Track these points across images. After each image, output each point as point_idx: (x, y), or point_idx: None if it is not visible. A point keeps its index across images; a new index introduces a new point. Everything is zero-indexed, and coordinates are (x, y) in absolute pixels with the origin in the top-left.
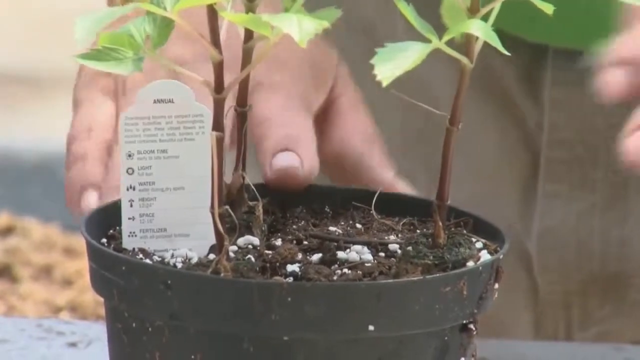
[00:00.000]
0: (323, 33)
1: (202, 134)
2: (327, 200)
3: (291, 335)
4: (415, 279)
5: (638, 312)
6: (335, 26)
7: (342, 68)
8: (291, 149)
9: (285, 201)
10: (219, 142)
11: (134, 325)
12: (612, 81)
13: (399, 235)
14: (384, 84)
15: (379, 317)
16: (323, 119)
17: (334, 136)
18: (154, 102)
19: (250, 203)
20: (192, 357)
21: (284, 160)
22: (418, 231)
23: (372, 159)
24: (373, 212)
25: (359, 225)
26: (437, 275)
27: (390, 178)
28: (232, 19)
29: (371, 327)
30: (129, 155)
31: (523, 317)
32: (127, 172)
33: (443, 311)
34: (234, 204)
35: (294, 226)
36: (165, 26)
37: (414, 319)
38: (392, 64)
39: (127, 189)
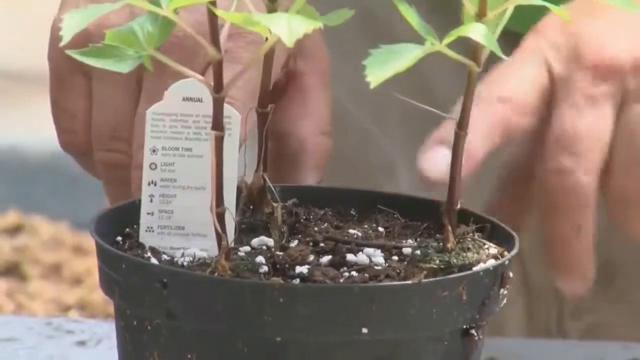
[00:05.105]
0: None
1: (229, 136)
2: (354, 202)
3: (284, 336)
4: (410, 282)
5: (627, 301)
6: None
7: (312, 43)
8: None
9: (312, 203)
10: (219, 141)
11: (135, 323)
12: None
13: (418, 239)
14: (372, 85)
15: (373, 320)
16: (281, 92)
17: (288, 113)
18: (183, 99)
19: (274, 204)
20: (189, 356)
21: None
22: (438, 235)
23: (308, 155)
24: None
25: (381, 229)
26: (434, 279)
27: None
28: (226, 17)
29: (365, 330)
30: (153, 151)
31: (515, 307)
32: (149, 167)
33: (441, 316)
34: (255, 205)
35: (316, 228)
36: (166, 24)
37: (410, 323)
38: (385, 65)
39: (149, 184)
